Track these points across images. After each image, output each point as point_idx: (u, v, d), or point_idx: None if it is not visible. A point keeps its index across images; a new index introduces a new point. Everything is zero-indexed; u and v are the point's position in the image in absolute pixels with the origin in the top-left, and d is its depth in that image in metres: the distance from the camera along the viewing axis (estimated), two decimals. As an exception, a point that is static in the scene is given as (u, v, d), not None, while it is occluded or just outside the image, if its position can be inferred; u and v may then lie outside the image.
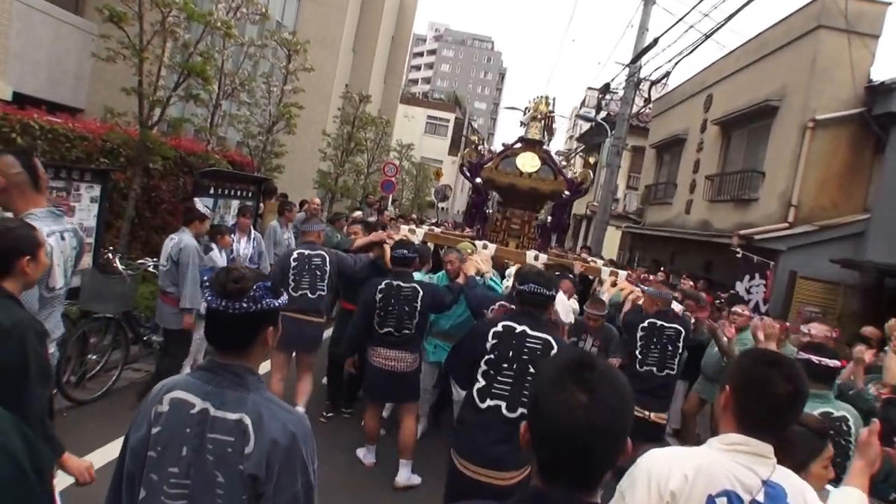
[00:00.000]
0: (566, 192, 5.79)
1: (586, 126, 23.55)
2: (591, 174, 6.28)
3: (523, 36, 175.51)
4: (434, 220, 17.99)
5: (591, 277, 5.92)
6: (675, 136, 14.81)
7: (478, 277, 4.31)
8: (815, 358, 2.55)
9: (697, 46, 10.77)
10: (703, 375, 5.51)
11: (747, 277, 8.86)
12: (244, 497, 1.39)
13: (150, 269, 5.33)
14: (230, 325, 1.45)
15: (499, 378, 2.62)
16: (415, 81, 68.62)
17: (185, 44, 6.37)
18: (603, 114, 18.40)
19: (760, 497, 1.37)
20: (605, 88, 15.78)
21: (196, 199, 5.64)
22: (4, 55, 8.04)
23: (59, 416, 3.70)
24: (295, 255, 4.39)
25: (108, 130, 6.26)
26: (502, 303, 4.14)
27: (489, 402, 2.61)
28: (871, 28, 8.99)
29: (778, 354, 1.61)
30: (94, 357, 4.61)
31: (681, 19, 10.98)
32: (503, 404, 2.59)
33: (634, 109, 14.11)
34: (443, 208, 30.90)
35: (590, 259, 7.14)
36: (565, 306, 4.58)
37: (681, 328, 4.41)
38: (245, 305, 1.42)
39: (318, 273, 4.36)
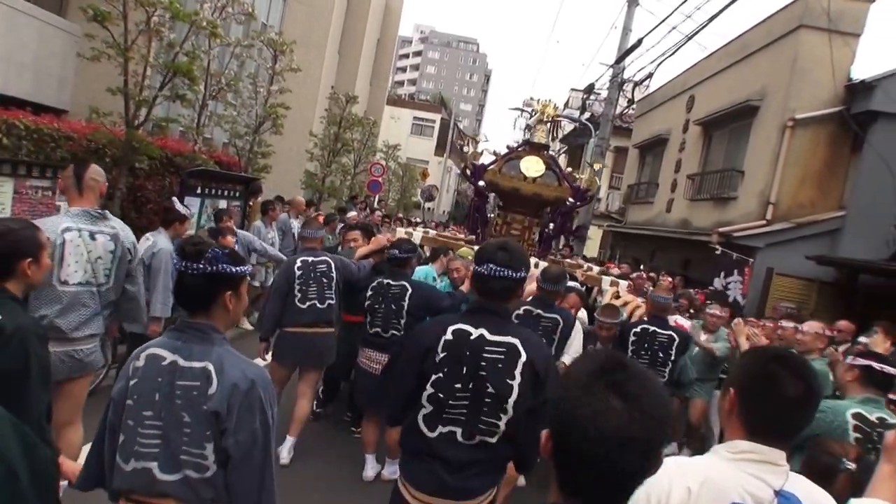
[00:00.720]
0: (570, 199, 5.60)
1: (570, 127, 23.67)
2: (598, 181, 6.06)
3: (508, 38, 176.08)
4: (419, 221, 17.96)
5: (589, 287, 5.68)
6: (658, 136, 14.92)
7: None
8: (876, 365, 2.47)
9: (680, 47, 10.88)
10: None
11: (724, 274, 8.94)
12: (208, 433, 1.57)
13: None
14: (190, 286, 1.64)
15: (450, 402, 1.96)
16: (401, 83, 68.45)
17: (170, 43, 6.27)
18: (587, 114, 18.52)
19: None
20: (589, 89, 15.86)
21: (174, 199, 5.24)
22: (-12, 57, 7.88)
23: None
24: (299, 262, 4.04)
25: (94, 130, 6.14)
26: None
27: (441, 430, 1.98)
28: (852, 26, 9.05)
29: (785, 351, 1.49)
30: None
31: (664, 20, 11.01)
32: (458, 430, 1.97)
33: (618, 110, 14.20)
34: (429, 208, 30.88)
35: (584, 264, 7.01)
36: (579, 320, 4.44)
37: (675, 336, 4.26)
38: (201, 266, 1.61)
39: (325, 280, 4.03)
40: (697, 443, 5.29)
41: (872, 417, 2.30)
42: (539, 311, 3.80)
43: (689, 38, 10.73)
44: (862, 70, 9.19)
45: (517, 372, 1.92)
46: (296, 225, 7.39)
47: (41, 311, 2.64)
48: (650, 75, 13.44)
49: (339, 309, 4.12)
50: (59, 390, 2.71)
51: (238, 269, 1.69)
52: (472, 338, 1.96)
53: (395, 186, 27.23)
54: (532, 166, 5.53)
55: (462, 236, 6.59)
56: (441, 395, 1.96)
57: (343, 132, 14.05)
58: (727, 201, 10.69)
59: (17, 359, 1.77)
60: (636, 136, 17.42)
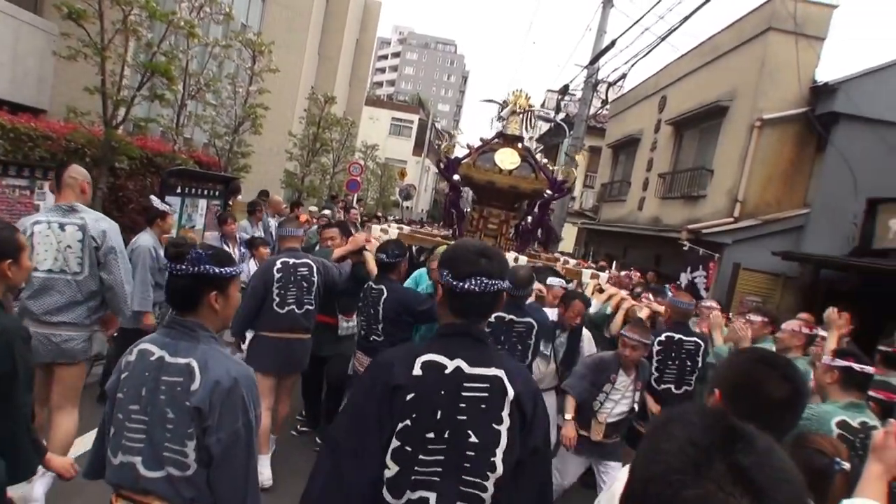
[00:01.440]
0: (548, 192, 5.36)
1: (545, 127, 23.83)
2: (575, 172, 5.84)
3: (485, 40, 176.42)
4: (398, 218, 17.91)
5: (568, 280, 5.36)
6: (631, 135, 15.11)
7: None
8: (856, 366, 2.37)
9: (653, 49, 11.00)
10: None
11: (690, 269, 9.11)
12: (190, 430, 1.56)
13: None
14: (176, 286, 1.67)
15: (421, 458, 1.46)
16: (379, 84, 68.09)
17: (148, 43, 6.13)
18: (562, 115, 18.68)
19: None
20: (564, 90, 15.97)
21: (152, 197, 5.04)
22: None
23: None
24: (278, 264, 3.73)
25: (72, 130, 6.00)
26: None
27: (410, 496, 1.45)
28: (817, 30, 9.26)
29: (771, 353, 1.44)
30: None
31: (637, 22, 11.17)
32: (432, 497, 1.46)
33: (592, 110, 14.34)
34: (407, 207, 30.77)
35: (561, 258, 6.68)
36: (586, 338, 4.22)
37: (700, 341, 3.96)
38: (183, 267, 1.63)
39: (305, 284, 3.76)
40: None
41: (855, 423, 2.26)
42: (512, 316, 3.53)
43: (662, 39, 10.88)
44: (826, 73, 9.46)
45: (504, 414, 1.47)
46: (273, 224, 7.32)
47: (26, 296, 2.89)
48: (623, 76, 13.59)
49: (315, 314, 3.88)
50: (50, 375, 2.98)
51: (223, 269, 1.68)
52: (447, 372, 1.48)
53: (373, 186, 27.17)
54: (507, 158, 5.31)
55: (437, 232, 6.38)
56: (409, 449, 1.45)
57: (322, 132, 13.93)
58: (697, 199, 10.88)
59: (4, 360, 1.79)
60: (609, 135, 17.62)
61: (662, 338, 3.90)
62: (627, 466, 0.79)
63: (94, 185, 5.86)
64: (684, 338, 3.91)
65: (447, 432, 1.45)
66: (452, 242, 4.73)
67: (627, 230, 13.53)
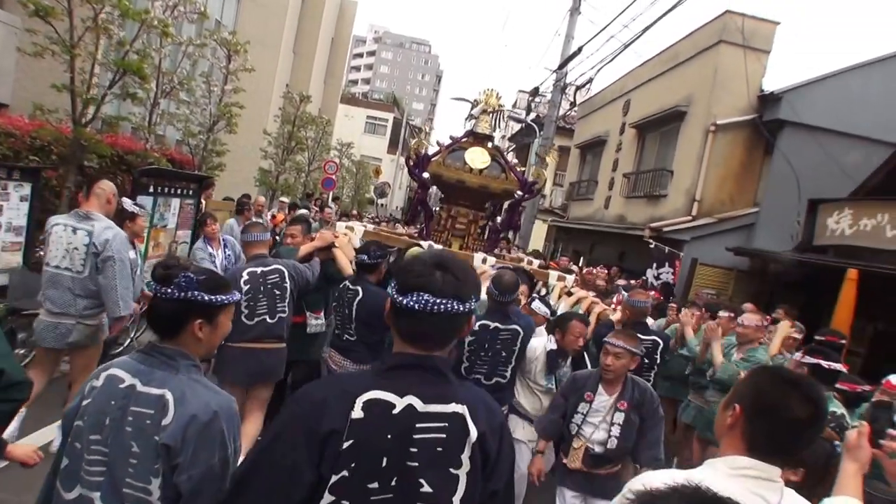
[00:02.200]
0: (518, 193, 5.23)
1: (517, 126, 24.08)
2: (545, 173, 5.68)
3: (459, 41, 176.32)
4: (374, 216, 17.93)
5: (535, 281, 5.05)
6: (597, 137, 15.39)
7: None
8: (824, 363, 2.61)
9: (617, 55, 11.30)
10: (666, 377, 4.93)
11: (655, 265, 9.40)
12: (156, 466, 1.40)
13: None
14: (159, 311, 1.52)
15: None
16: (354, 82, 67.51)
17: (120, 41, 6.01)
18: (532, 115, 18.94)
19: None
20: (535, 92, 16.23)
21: (124, 199, 4.78)
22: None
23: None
24: (245, 275, 3.46)
25: (38, 128, 5.84)
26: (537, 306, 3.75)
27: None
28: (763, 44, 9.70)
29: (795, 374, 1.43)
30: (22, 352, 4.29)
31: (603, 29, 11.49)
32: None
33: (561, 112, 14.60)
34: (382, 204, 30.75)
35: (525, 258, 6.51)
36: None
37: (658, 340, 4.02)
38: (169, 291, 1.48)
39: (278, 293, 3.51)
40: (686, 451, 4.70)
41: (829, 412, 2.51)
42: (497, 323, 3.37)
43: (626, 46, 11.19)
44: (772, 83, 9.89)
45: (464, 456, 1.23)
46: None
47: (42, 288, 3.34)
48: (590, 80, 13.92)
49: (290, 319, 3.63)
50: (61, 355, 3.51)
51: (214, 297, 1.51)
52: (395, 412, 1.22)
53: (348, 184, 27.05)
54: (477, 157, 5.15)
55: (403, 231, 6.15)
56: None
57: (297, 131, 13.85)
58: (658, 198, 11.21)
59: None
60: (578, 136, 17.92)
61: None
62: None
63: (62, 183, 5.79)
64: (642, 336, 3.80)
65: (394, 480, 1.19)
66: (420, 242, 4.66)
67: (594, 228, 13.82)
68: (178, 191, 6.26)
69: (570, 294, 4.71)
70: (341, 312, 3.58)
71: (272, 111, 15.58)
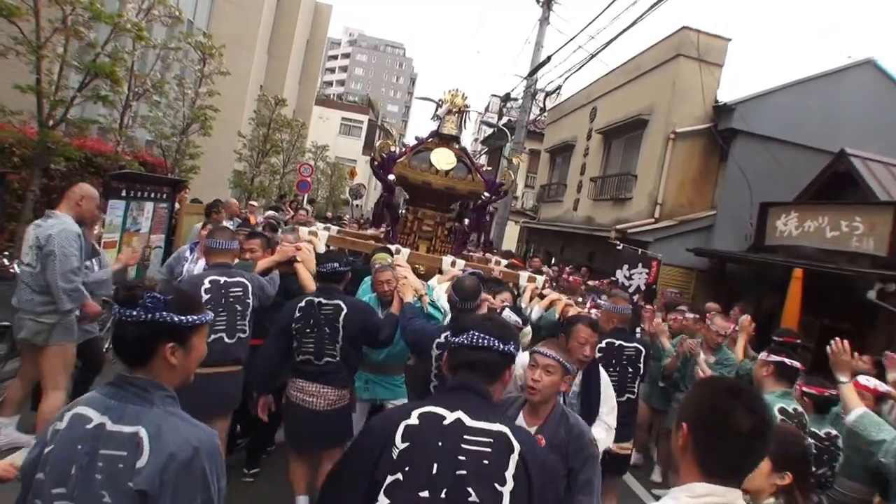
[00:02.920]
0: (486, 194, 5.09)
1: (489, 130, 24.33)
2: (513, 175, 5.53)
3: (433, 44, 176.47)
4: (349, 217, 17.88)
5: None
6: (566, 142, 15.66)
7: (416, 302, 3.26)
8: (788, 361, 2.71)
9: (584, 65, 11.61)
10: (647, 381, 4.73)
11: (626, 266, 9.60)
12: None
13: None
14: (125, 334, 1.34)
15: None
16: (329, 83, 66.96)
17: (90, 43, 5.85)
18: (504, 119, 19.19)
19: None
20: (506, 98, 16.47)
21: None
22: None
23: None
24: (206, 283, 3.03)
25: (0, 129, 5.63)
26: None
27: None
28: (717, 58, 10.16)
29: (736, 383, 1.39)
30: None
31: (571, 40, 11.73)
32: None
33: (531, 117, 14.85)
34: (357, 206, 30.62)
35: (493, 258, 6.28)
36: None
37: (641, 347, 3.74)
38: (134, 314, 1.31)
39: (239, 308, 3.13)
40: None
41: (790, 409, 2.63)
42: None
43: (592, 56, 11.51)
44: (726, 94, 10.34)
45: (509, 474, 1.31)
46: (231, 227, 6.98)
47: None
48: (559, 87, 14.19)
49: (249, 340, 3.23)
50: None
51: (184, 318, 1.36)
52: (445, 423, 1.34)
53: (323, 185, 26.89)
54: (443, 158, 4.97)
55: (368, 234, 6.02)
56: None
57: (272, 134, 13.75)
58: (624, 201, 11.52)
59: None
60: (547, 141, 18.20)
61: (603, 344, 3.60)
62: None
63: (25, 187, 5.60)
64: (625, 344, 3.66)
65: (444, 490, 1.26)
66: (388, 246, 4.48)
67: (564, 229, 14.06)
68: (152, 195, 6.19)
69: (542, 296, 4.48)
70: (318, 334, 3.03)
71: (246, 113, 15.40)
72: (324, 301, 3.08)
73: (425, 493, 1.28)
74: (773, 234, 8.25)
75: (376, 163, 5.04)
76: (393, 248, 4.43)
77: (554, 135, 17.46)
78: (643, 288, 9.12)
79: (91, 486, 1.22)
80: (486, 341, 1.48)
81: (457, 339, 1.52)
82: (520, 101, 14.65)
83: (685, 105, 10.12)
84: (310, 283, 3.47)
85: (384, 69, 74.13)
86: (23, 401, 3.64)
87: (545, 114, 16.85)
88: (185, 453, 1.23)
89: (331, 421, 3.02)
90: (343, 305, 3.07)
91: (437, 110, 5.41)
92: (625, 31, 9.34)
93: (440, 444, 1.32)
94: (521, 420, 2.27)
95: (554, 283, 7.06)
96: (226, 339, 3.08)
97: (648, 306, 6.11)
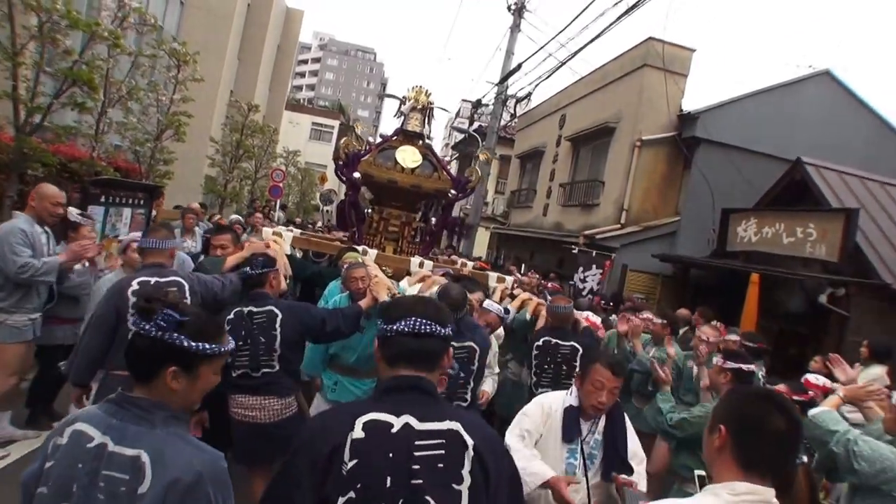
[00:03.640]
0: (452, 192, 4.98)
1: (461, 136, 24.55)
2: (479, 172, 5.42)
3: (404, 49, 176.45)
4: (320, 224, 17.77)
5: None
6: (536, 148, 15.95)
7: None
8: (744, 366, 2.80)
9: (553, 72, 11.89)
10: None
11: (581, 269, 9.91)
12: None
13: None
14: (136, 346, 1.31)
15: None
16: (299, 88, 66.31)
17: (66, 50, 5.82)
18: (476, 125, 19.42)
19: None
20: (477, 104, 16.68)
21: (70, 209, 4.39)
22: None
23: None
24: (134, 285, 2.77)
25: (-28, 135, 5.55)
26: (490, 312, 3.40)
27: None
28: (681, 69, 10.59)
29: (765, 389, 1.52)
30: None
31: (541, 48, 11.99)
32: None
33: (502, 123, 15.09)
34: (328, 211, 30.37)
35: (459, 260, 6.18)
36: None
37: (577, 345, 3.72)
38: (146, 328, 1.28)
39: None
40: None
41: None
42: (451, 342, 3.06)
43: (562, 64, 11.81)
44: (690, 104, 10.78)
45: (465, 471, 1.27)
46: (198, 232, 7.03)
47: None
48: (529, 94, 14.49)
49: None
50: None
51: (197, 345, 1.30)
52: (393, 431, 1.26)
53: (294, 190, 26.65)
54: (409, 157, 4.86)
55: (332, 235, 5.89)
56: None
57: (245, 140, 13.62)
58: (592, 207, 11.85)
59: None
60: (518, 147, 18.50)
61: (540, 342, 3.76)
62: None
63: (1, 192, 5.51)
64: (561, 342, 3.72)
65: (401, 501, 1.20)
66: (353, 245, 4.34)
67: (534, 234, 14.29)
68: (129, 200, 6.13)
69: (513, 297, 4.48)
70: (252, 345, 2.83)
71: (216, 118, 15.22)
72: (254, 309, 2.87)
73: None
74: (735, 240, 8.62)
75: (340, 161, 4.89)
76: (360, 248, 4.30)
77: (524, 141, 17.76)
78: (595, 289, 9.45)
79: None
80: (428, 327, 1.35)
81: (393, 326, 1.35)
82: (491, 107, 14.90)
83: (651, 114, 10.52)
84: (280, 282, 3.35)
85: (355, 74, 73.85)
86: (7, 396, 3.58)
87: (515, 120, 17.14)
88: (188, 478, 1.20)
89: (280, 433, 2.80)
90: (276, 310, 2.86)
91: (400, 107, 5.28)
92: (593, 40, 9.65)
93: (391, 455, 1.22)
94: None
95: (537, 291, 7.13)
96: None
97: (623, 314, 6.16)
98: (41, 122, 5.75)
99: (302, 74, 70.03)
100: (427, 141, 5.23)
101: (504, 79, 13.57)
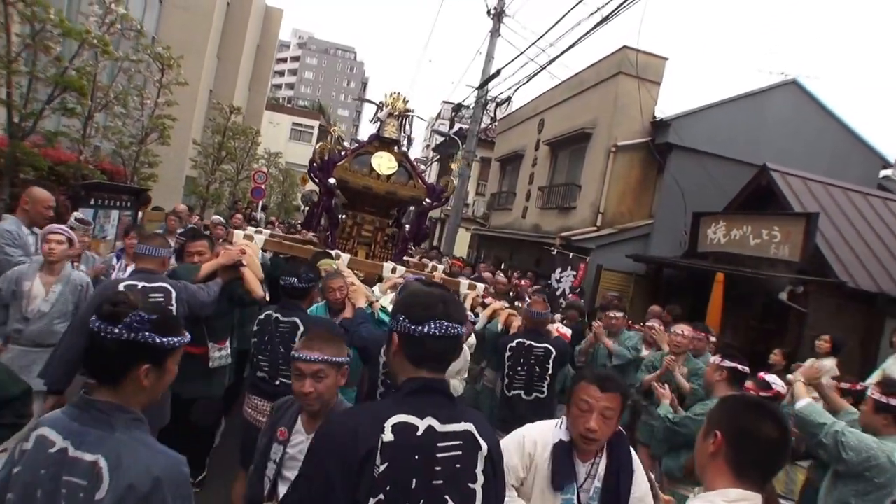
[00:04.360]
0: (427, 200, 5.04)
1: (441, 138, 24.79)
2: (455, 181, 5.50)
3: (385, 49, 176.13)
4: (297, 222, 17.84)
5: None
6: (515, 151, 16.27)
7: (367, 308, 3.24)
8: (740, 367, 2.88)
9: (533, 77, 12.24)
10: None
11: (559, 269, 10.23)
12: None
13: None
14: (100, 352, 1.28)
15: None
16: (279, 87, 65.82)
17: (57, 57, 5.95)
18: (456, 128, 19.68)
19: None
20: (458, 108, 16.95)
21: (75, 214, 4.72)
22: None
23: None
24: (122, 289, 2.68)
25: (-35, 140, 5.64)
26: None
27: None
28: (654, 76, 11.05)
29: (759, 398, 1.55)
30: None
31: (521, 53, 12.29)
32: None
33: (482, 125, 15.38)
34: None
35: (429, 264, 6.25)
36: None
37: (551, 348, 3.79)
38: (116, 331, 1.26)
39: None
40: None
41: None
42: None
43: (542, 69, 12.15)
44: (663, 110, 11.24)
45: (478, 471, 1.34)
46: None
47: None
48: (509, 99, 14.81)
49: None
50: None
51: (167, 339, 1.32)
52: (419, 433, 1.28)
53: (275, 191, 26.58)
54: (384, 163, 4.89)
55: (304, 238, 5.88)
56: None
57: (227, 141, 13.66)
58: (569, 210, 12.24)
59: None
60: (498, 150, 18.82)
61: (514, 343, 3.81)
62: None
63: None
64: (535, 344, 3.79)
65: (422, 501, 1.25)
66: (329, 251, 4.38)
67: (513, 236, 14.62)
68: (117, 203, 6.26)
69: (484, 305, 4.47)
70: (271, 351, 2.90)
71: (196, 118, 15.20)
72: (281, 318, 2.93)
73: None
74: (705, 242, 9.07)
75: (315, 164, 4.90)
76: (333, 253, 4.34)
77: (504, 144, 18.07)
78: (568, 290, 9.77)
79: None
80: (454, 330, 1.36)
81: (423, 329, 1.33)
82: (471, 110, 15.17)
83: (625, 120, 10.95)
84: (257, 288, 3.37)
85: (335, 73, 73.55)
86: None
87: (496, 123, 17.42)
88: (144, 484, 1.18)
89: None
90: (300, 323, 2.89)
91: (377, 112, 5.28)
92: (569, 48, 10.02)
93: (416, 457, 1.26)
94: (299, 427, 2.07)
95: (512, 293, 7.32)
96: None
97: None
98: (33, 127, 5.89)
99: (281, 73, 69.49)
100: (403, 148, 5.26)
101: (484, 84, 13.86)
